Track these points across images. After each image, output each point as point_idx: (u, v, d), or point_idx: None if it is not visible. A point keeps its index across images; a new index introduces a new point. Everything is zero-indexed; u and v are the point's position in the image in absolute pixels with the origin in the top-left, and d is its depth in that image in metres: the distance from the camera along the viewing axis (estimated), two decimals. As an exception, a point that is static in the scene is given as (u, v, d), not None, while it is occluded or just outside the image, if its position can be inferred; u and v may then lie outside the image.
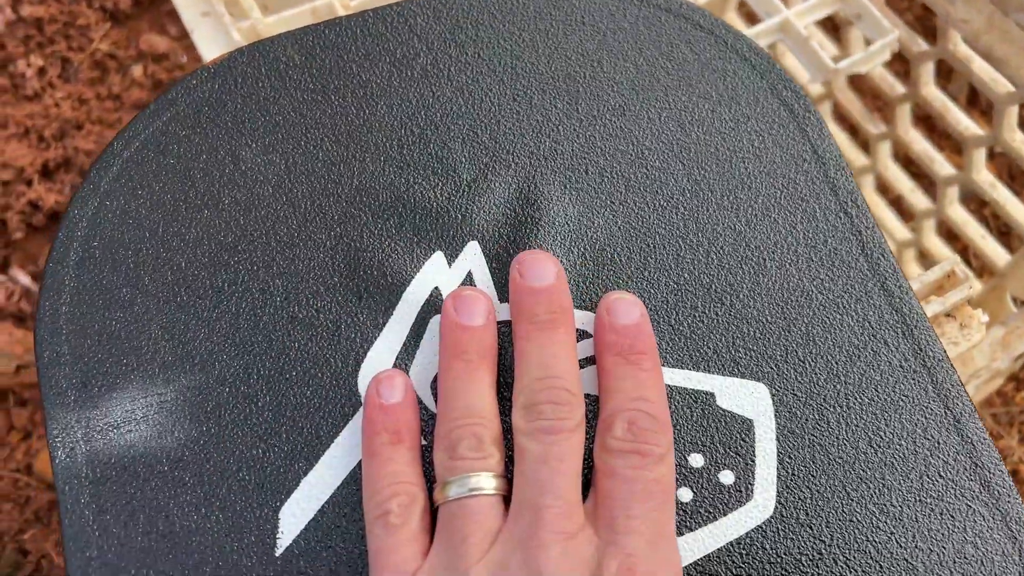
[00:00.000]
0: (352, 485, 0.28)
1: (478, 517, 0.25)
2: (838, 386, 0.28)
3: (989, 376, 0.51)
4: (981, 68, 0.49)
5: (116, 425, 0.28)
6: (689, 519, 0.27)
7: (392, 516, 0.26)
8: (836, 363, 0.28)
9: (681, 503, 0.27)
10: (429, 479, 0.27)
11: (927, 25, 0.78)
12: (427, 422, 0.28)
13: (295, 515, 0.27)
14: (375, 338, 0.29)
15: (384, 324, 0.29)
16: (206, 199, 0.31)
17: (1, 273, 0.74)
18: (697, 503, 0.27)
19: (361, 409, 0.29)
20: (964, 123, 0.53)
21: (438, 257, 0.30)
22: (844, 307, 0.29)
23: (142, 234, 0.30)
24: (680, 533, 0.27)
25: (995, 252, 0.58)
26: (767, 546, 0.26)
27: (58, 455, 0.28)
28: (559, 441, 0.25)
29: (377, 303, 0.29)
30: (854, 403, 0.28)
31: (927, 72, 0.53)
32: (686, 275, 0.29)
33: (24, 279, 0.74)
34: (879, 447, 0.27)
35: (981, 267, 0.68)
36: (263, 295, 0.30)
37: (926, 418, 0.28)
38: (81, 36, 0.82)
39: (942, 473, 0.27)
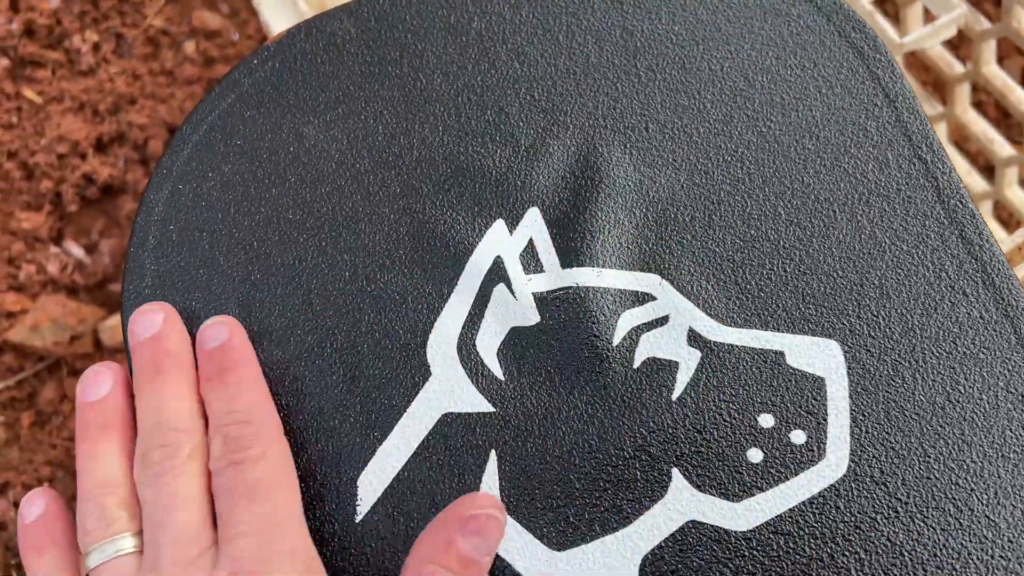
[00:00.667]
0: (425, 452, 0.28)
1: None
2: (914, 340, 0.28)
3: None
4: (1047, 46, 0.48)
5: None
6: (760, 479, 0.27)
7: None
8: (912, 316, 0.28)
9: (751, 463, 0.27)
10: None
11: (981, 7, 0.77)
12: (489, 389, 0.29)
13: (372, 483, 0.28)
14: (441, 309, 0.30)
15: (449, 295, 0.30)
16: (273, 178, 0.31)
17: (55, 245, 0.76)
18: (768, 463, 0.27)
19: (431, 380, 0.29)
20: (1028, 102, 0.52)
21: (499, 225, 0.30)
22: (920, 257, 0.28)
23: (215, 215, 0.31)
24: (751, 494, 0.27)
25: (1054, 235, 0.57)
26: (841, 505, 0.26)
27: None
28: (169, 481, 0.27)
29: (441, 274, 0.30)
30: (931, 358, 0.27)
31: (989, 50, 0.53)
32: (752, 231, 0.29)
33: (77, 251, 0.76)
34: (957, 402, 0.27)
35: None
36: (331, 270, 0.30)
37: (1009, 371, 0.27)
38: (135, 12, 0.83)
39: None
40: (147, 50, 0.81)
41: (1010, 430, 0.26)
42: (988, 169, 0.59)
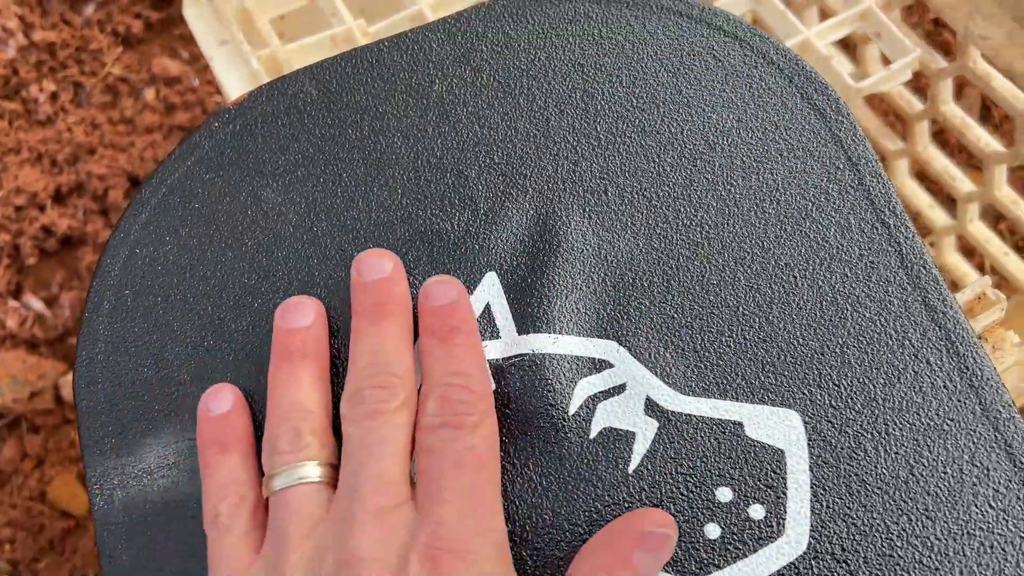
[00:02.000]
0: None
1: (297, 506, 0.26)
2: (876, 411, 0.27)
3: (1015, 396, 0.51)
4: (1001, 85, 0.48)
5: (151, 471, 0.28)
6: (717, 556, 0.26)
7: (222, 518, 0.27)
8: (875, 386, 0.27)
9: (709, 539, 0.26)
10: None
11: (938, 41, 0.78)
12: None
13: None
14: None
15: None
16: (229, 242, 0.31)
17: (14, 299, 0.74)
18: (725, 539, 0.26)
19: None
20: (985, 139, 0.53)
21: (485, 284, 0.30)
22: (883, 325, 0.28)
23: (170, 280, 0.30)
24: (708, 571, 0.26)
25: (1018, 269, 0.57)
26: None
27: (97, 501, 0.28)
28: (379, 425, 0.26)
29: None
30: (894, 429, 0.27)
31: (946, 89, 0.53)
32: (711, 298, 0.29)
33: (37, 304, 0.74)
34: (921, 476, 0.26)
35: (998, 284, 0.67)
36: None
37: (974, 443, 0.26)
38: (93, 60, 0.82)
39: (992, 503, 0.26)
40: (106, 98, 0.80)
41: (975, 505, 0.26)
42: (952, 202, 0.60)
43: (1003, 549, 0.26)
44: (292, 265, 0.30)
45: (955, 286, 0.60)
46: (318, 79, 0.33)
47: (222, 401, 0.28)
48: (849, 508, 0.26)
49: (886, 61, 0.43)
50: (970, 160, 0.69)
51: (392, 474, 0.25)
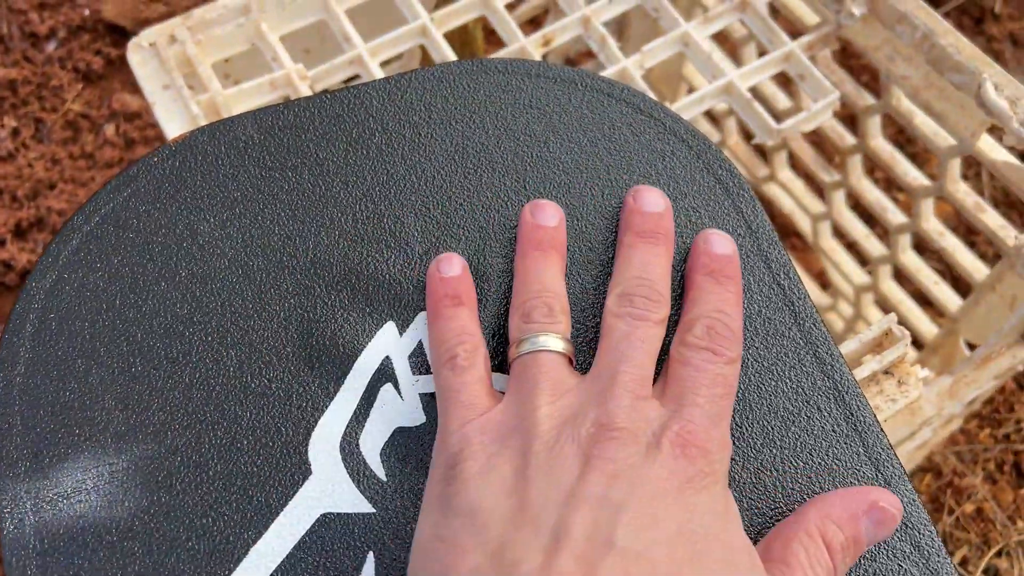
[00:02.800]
0: (300, 553, 0.28)
1: (548, 368, 0.28)
2: (774, 450, 0.29)
3: (944, 421, 0.52)
4: (923, 122, 0.50)
5: (66, 495, 0.29)
6: None
7: (460, 359, 0.28)
8: (772, 428, 0.29)
9: None
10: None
11: (876, 77, 0.81)
12: (370, 489, 0.29)
13: None
14: (326, 407, 0.30)
15: (336, 393, 0.30)
16: (163, 272, 0.31)
17: (-28, 333, 0.74)
18: None
19: (311, 478, 0.29)
20: (912, 174, 0.55)
21: (390, 327, 0.31)
22: (778, 374, 0.30)
23: (99, 306, 0.31)
24: None
25: (948, 298, 0.59)
26: None
27: (6, 526, 0.28)
28: (643, 327, 0.28)
29: (329, 372, 0.30)
30: (790, 467, 0.29)
31: (874, 125, 0.55)
32: None
33: (-5, 339, 0.74)
34: None
35: (936, 313, 0.69)
36: (216, 365, 0.30)
37: (859, 481, 0.28)
38: (54, 97, 0.82)
39: None
40: (67, 134, 0.81)
41: None
42: (883, 232, 0.62)
43: (883, 572, 0.28)
44: (225, 297, 0.31)
45: (887, 311, 0.62)
46: (261, 124, 0.34)
47: (454, 265, 0.31)
48: (752, 538, 0.28)
49: (814, 100, 0.44)
50: (905, 195, 0.71)
51: (647, 370, 0.27)
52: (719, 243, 0.30)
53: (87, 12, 0.84)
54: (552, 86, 0.35)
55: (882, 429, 0.29)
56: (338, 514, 0.28)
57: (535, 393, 0.27)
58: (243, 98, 0.41)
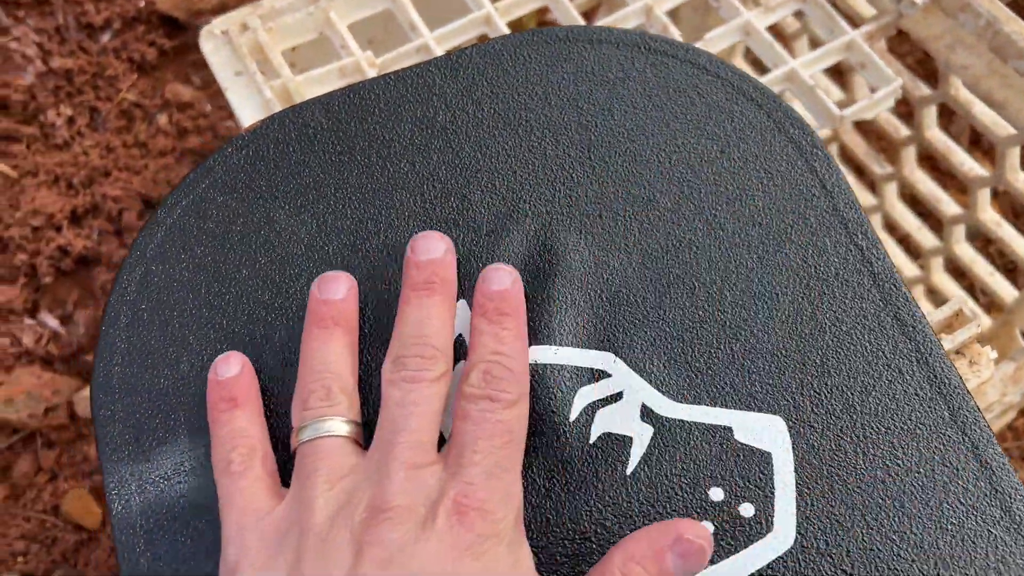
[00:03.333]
0: None
1: (327, 454, 0.27)
2: (854, 416, 0.29)
3: (1001, 411, 0.52)
4: (982, 111, 0.50)
5: (167, 477, 0.30)
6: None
7: (234, 464, 0.28)
8: (852, 394, 0.29)
9: None
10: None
11: (928, 68, 0.80)
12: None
13: None
14: None
15: None
16: (244, 260, 0.32)
17: (30, 317, 0.76)
18: (718, 536, 0.28)
19: None
20: (968, 164, 0.55)
21: (461, 306, 0.31)
22: (858, 338, 0.30)
23: (186, 295, 0.32)
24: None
25: (1003, 288, 0.59)
26: None
27: (115, 507, 0.29)
28: (418, 389, 0.27)
29: None
30: (871, 433, 0.28)
31: (930, 115, 0.55)
32: (700, 312, 0.30)
33: (52, 322, 0.76)
34: (897, 475, 0.28)
35: (990, 303, 0.69)
36: (298, 350, 0.31)
37: (944, 445, 0.28)
38: (109, 86, 0.84)
39: (962, 500, 0.28)
40: (121, 123, 0.82)
41: (947, 502, 0.27)
42: (940, 224, 0.61)
43: (972, 542, 0.27)
44: (304, 282, 0.32)
45: (938, 304, 0.62)
46: (328, 109, 0.34)
47: (231, 366, 0.30)
48: (832, 506, 0.28)
49: (873, 89, 0.44)
50: (958, 186, 0.71)
51: (427, 435, 0.27)
52: (493, 279, 0.29)
53: (142, 3, 0.85)
54: (614, 51, 0.35)
55: (968, 391, 0.29)
56: None
57: (312, 483, 0.27)
58: (313, 84, 0.42)
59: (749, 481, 0.28)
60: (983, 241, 0.71)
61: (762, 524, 0.28)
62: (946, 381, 0.29)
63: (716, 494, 0.28)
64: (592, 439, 0.29)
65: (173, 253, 0.32)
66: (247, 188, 0.33)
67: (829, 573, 0.27)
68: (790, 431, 0.29)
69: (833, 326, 0.30)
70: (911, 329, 0.30)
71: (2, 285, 0.76)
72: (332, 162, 0.33)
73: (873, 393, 0.29)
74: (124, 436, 0.30)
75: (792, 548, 0.27)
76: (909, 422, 0.28)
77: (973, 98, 0.50)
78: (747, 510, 0.28)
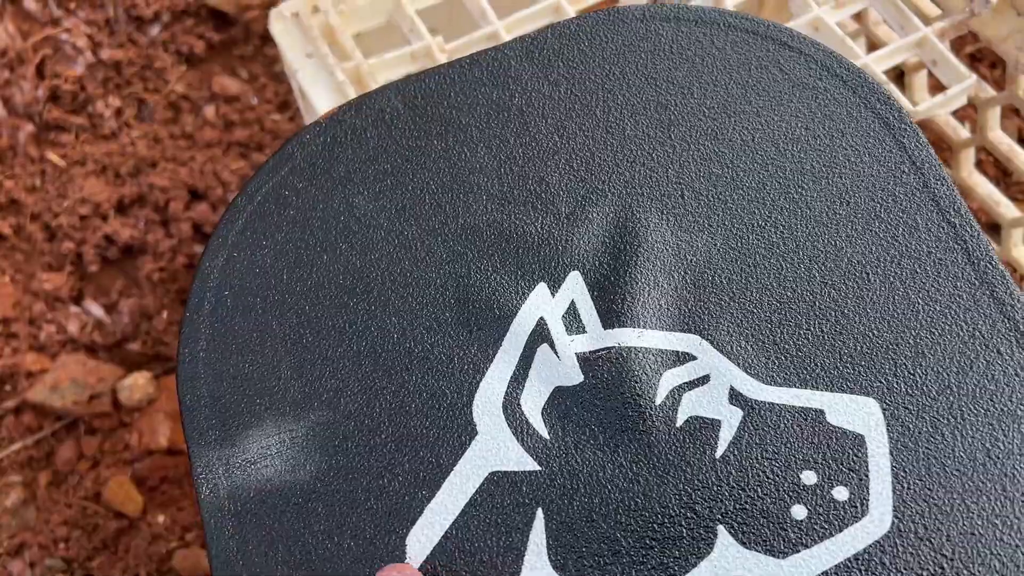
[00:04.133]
0: (472, 511, 0.29)
1: None
2: (951, 398, 0.28)
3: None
4: (1050, 113, 0.49)
5: (253, 461, 0.30)
6: (805, 536, 0.27)
7: None
8: (948, 375, 0.28)
9: (796, 520, 0.27)
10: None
11: (979, 72, 0.80)
12: (534, 447, 0.29)
13: (420, 541, 0.28)
14: (486, 369, 0.31)
15: (494, 355, 0.31)
16: (324, 245, 0.32)
17: (75, 304, 0.77)
18: (812, 520, 0.27)
19: (477, 438, 0.30)
20: (1031, 167, 0.54)
21: (542, 288, 0.31)
22: (953, 318, 0.29)
23: (268, 281, 0.32)
24: (796, 550, 0.27)
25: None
26: (886, 561, 0.27)
27: (203, 491, 0.30)
28: None
29: (487, 335, 0.31)
30: (969, 415, 0.28)
31: (994, 117, 0.54)
32: (788, 293, 0.30)
33: (97, 311, 0.77)
34: (997, 458, 0.27)
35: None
36: (381, 333, 0.31)
37: None
38: (157, 78, 0.85)
39: None
40: (168, 115, 0.83)
41: None
42: (991, 227, 0.61)
43: None
44: (384, 266, 0.32)
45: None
46: (404, 94, 0.34)
47: None
48: (930, 489, 0.27)
49: (932, 91, 0.44)
50: (1008, 188, 0.70)
51: None
52: None
53: (192, -3, 0.86)
54: (693, 28, 0.34)
55: None
56: (506, 472, 0.29)
57: None
58: (386, 68, 0.42)
59: (843, 464, 0.28)
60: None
61: (857, 508, 0.27)
62: None
63: (808, 477, 0.28)
64: (679, 423, 0.29)
65: (254, 240, 0.33)
66: (326, 174, 0.33)
67: (928, 558, 0.27)
68: (884, 413, 0.28)
69: (927, 305, 0.29)
70: (1009, 308, 0.29)
71: (50, 273, 0.77)
72: (409, 147, 0.33)
73: (970, 374, 0.28)
74: (210, 421, 0.30)
75: (889, 532, 0.27)
76: (1010, 403, 0.28)
77: (1041, 99, 0.50)
78: (841, 493, 0.28)
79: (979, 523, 0.27)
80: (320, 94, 0.42)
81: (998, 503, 0.27)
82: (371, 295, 0.31)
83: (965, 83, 0.44)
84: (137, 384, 0.72)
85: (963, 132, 0.59)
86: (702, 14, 0.35)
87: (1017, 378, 0.28)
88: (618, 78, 0.34)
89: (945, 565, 0.26)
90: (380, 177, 0.33)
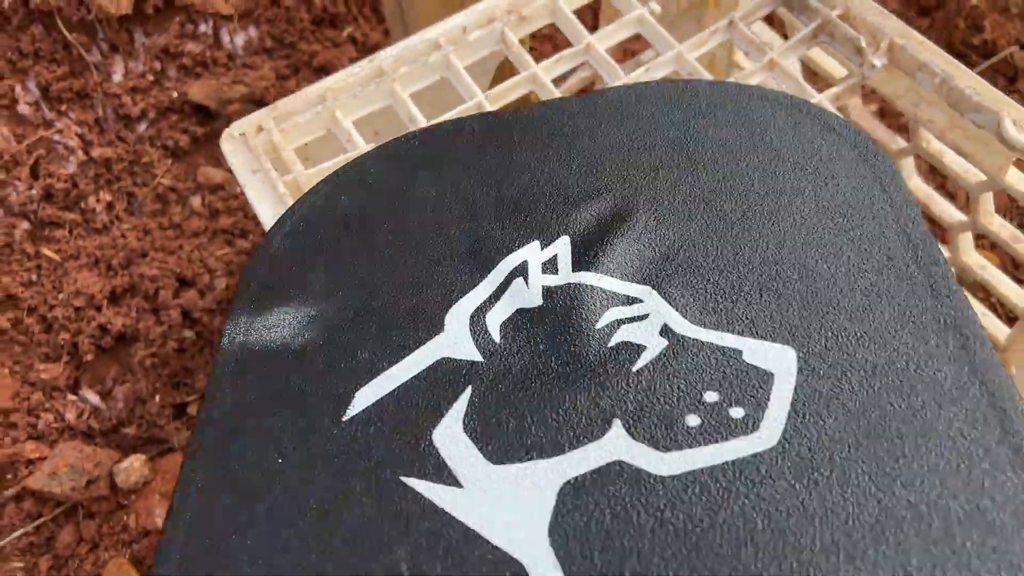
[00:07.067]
0: (415, 382, 0.35)
1: None
2: (869, 359, 0.32)
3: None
4: (954, 160, 0.55)
5: (269, 326, 0.38)
6: (691, 439, 0.31)
7: None
8: (874, 345, 0.32)
9: (687, 426, 0.31)
10: None
11: (903, 124, 0.85)
12: (484, 346, 0.36)
13: (367, 395, 0.35)
14: (470, 290, 0.38)
15: (479, 282, 0.38)
16: (391, 215, 0.42)
17: (72, 393, 0.83)
18: (703, 428, 0.31)
19: (441, 334, 0.37)
20: (949, 211, 0.59)
21: (535, 243, 0.39)
22: (885, 293, 0.34)
23: (338, 236, 0.42)
24: (680, 448, 0.30)
25: (997, 328, 0.62)
26: (762, 469, 0.29)
27: (224, 341, 0.38)
28: None
29: (480, 268, 0.39)
30: (886, 380, 0.31)
31: (907, 166, 0.60)
32: (742, 268, 0.36)
33: (93, 398, 0.83)
34: (903, 414, 0.30)
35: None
36: (405, 263, 0.39)
37: (963, 396, 0.30)
38: (145, 172, 0.93)
39: (964, 433, 0.30)
40: (156, 206, 0.91)
41: (948, 435, 0.29)
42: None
43: (957, 465, 0.29)
44: (418, 225, 0.41)
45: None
46: (481, 120, 0.46)
47: None
48: (823, 420, 0.31)
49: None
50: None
51: None
52: None
53: (175, 94, 0.94)
54: (719, 96, 0.44)
55: (992, 348, 0.31)
56: (452, 359, 0.36)
57: None
58: (322, 176, 0.48)
59: (746, 392, 0.32)
60: (971, 285, 0.74)
61: (748, 425, 0.31)
62: (968, 336, 0.32)
63: (710, 396, 0.32)
64: (611, 344, 0.34)
65: (323, 203, 0.43)
66: (407, 158, 0.44)
67: (805, 473, 0.29)
68: (799, 360, 0.32)
69: (863, 278, 0.34)
70: (946, 298, 0.33)
71: (47, 363, 0.83)
72: (468, 147, 0.44)
73: (892, 342, 0.32)
74: (251, 297, 0.40)
75: (773, 448, 0.30)
76: (933, 378, 0.31)
77: (944, 147, 0.55)
78: (737, 412, 0.31)
79: (865, 453, 0.29)
80: (265, 209, 0.48)
81: (888, 439, 0.29)
82: (411, 243, 0.40)
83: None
84: (133, 467, 0.78)
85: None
86: (736, 93, 0.43)
87: (939, 363, 0.31)
88: (638, 102, 0.44)
89: (820, 480, 0.29)
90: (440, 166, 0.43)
